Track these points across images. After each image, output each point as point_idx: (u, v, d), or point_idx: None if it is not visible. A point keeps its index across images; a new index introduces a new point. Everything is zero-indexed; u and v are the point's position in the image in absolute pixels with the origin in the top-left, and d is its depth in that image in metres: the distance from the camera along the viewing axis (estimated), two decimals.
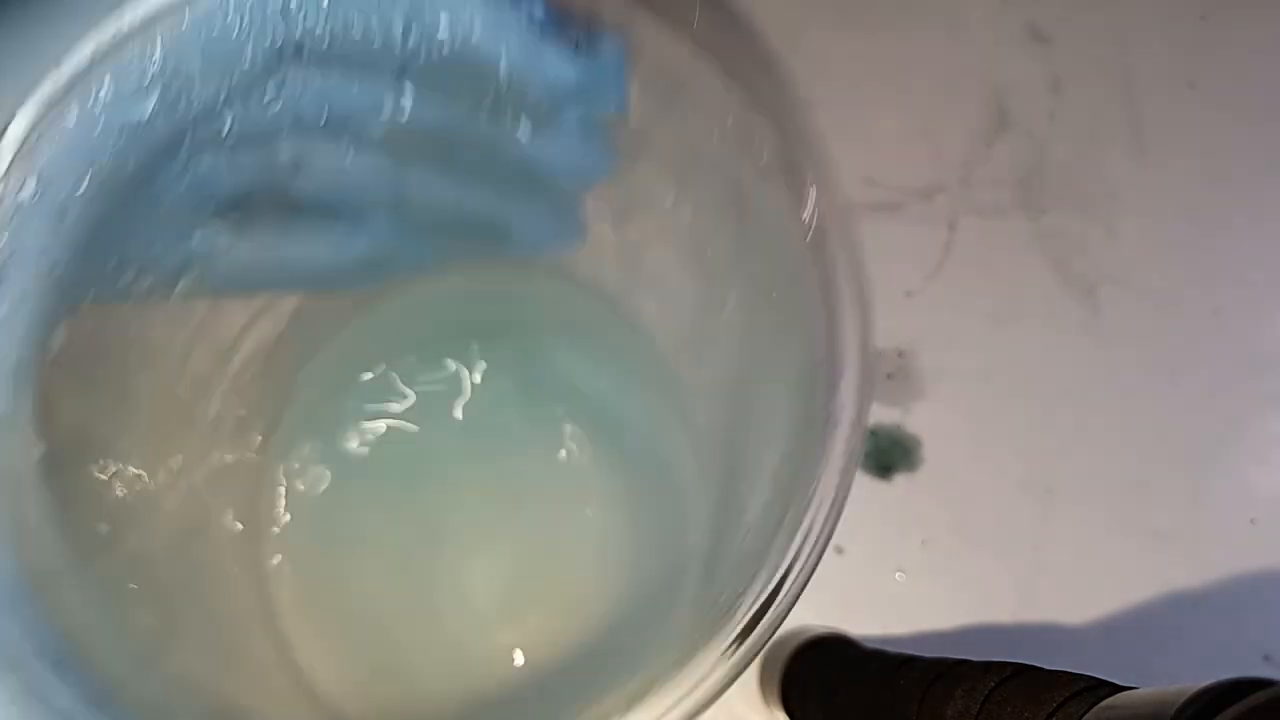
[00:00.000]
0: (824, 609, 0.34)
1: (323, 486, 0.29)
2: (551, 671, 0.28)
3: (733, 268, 0.23)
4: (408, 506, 0.30)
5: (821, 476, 0.17)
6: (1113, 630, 0.34)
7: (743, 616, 0.17)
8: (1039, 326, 0.37)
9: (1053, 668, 0.23)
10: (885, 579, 0.35)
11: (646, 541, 0.29)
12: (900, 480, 0.36)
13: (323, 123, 0.20)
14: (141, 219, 0.19)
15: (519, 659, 0.28)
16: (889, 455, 0.36)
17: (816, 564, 0.17)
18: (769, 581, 0.17)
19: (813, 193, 0.19)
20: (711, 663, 0.17)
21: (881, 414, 0.36)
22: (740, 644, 0.17)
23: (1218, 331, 0.38)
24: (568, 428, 0.30)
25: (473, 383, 0.30)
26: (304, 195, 0.21)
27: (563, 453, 0.30)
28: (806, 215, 0.19)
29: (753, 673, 0.33)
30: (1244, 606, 0.35)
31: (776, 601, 0.17)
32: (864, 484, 0.35)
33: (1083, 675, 0.22)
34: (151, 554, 0.22)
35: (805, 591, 0.35)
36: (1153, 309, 0.38)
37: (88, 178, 0.17)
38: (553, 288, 0.29)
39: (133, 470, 0.22)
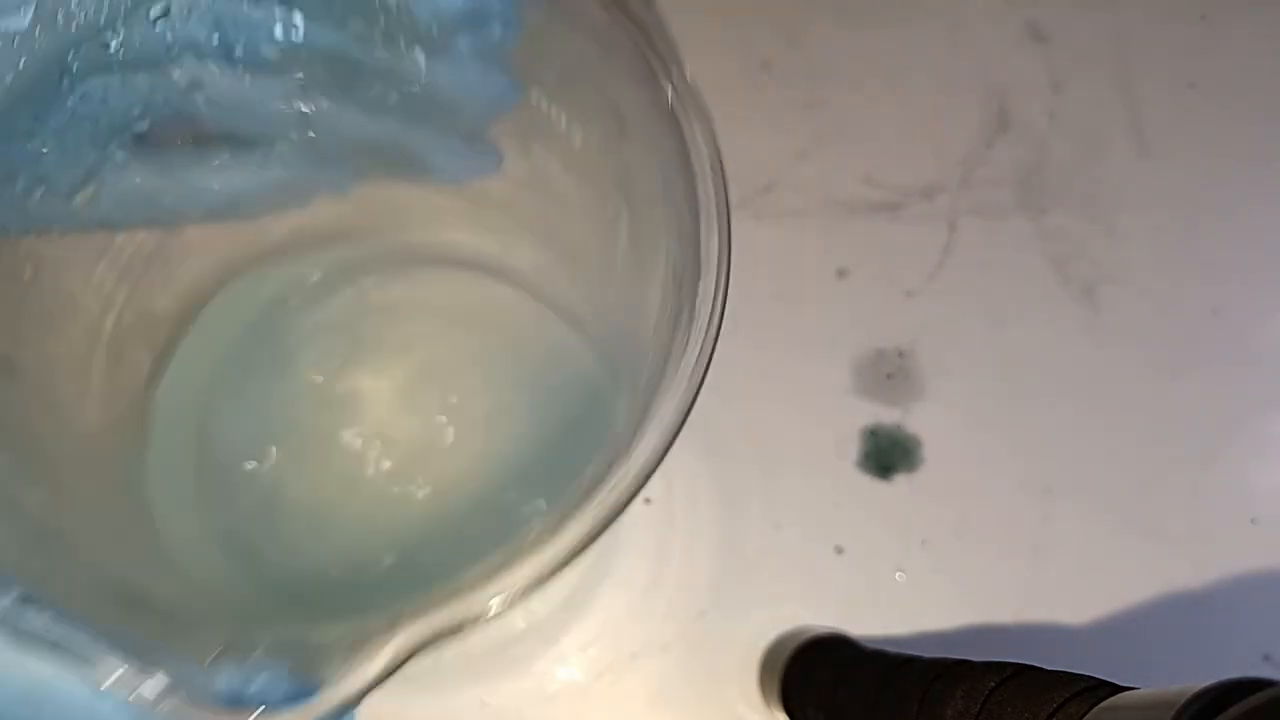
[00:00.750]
0: (824, 609, 0.34)
1: (220, 393, 0.30)
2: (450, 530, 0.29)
3: (620, 188, 0.24)
4: (305, 404, 0.30)
5: (681, 365, 0.19)
6: (1113, 630, 0.34)
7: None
8: (1039, 326, 0.37)
9: (1053, 668, 0.23)
10: (885, 579, 0.35)
11: (549, 427, 0.30)
12: (900, 480, 0.36)
13: (214, 43, 0.20)
14: (31, 134, 0.19)
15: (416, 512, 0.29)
16: (889, 455, 0.36)
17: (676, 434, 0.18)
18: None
19: (669, 91, 0.20)
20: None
21: (881, 414, 0.36)
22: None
23: (1218, 331, 0.38)
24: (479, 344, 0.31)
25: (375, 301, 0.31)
26: (211, 124, 0.21)
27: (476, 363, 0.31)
28: (667, 110, 0.20)
29: (753, 673, 0.33)
30: (1244, 606, 0.35)
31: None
32: (864, 484, 0.35)
33: (1083, 675, 0.22)
34: (45, 442, 0.22)
35: (804, 590, 0.35)
36: (1153, 308, 0.38)
37: None
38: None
39: (27, 369, 0.22)
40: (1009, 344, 0.37)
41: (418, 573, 0.29)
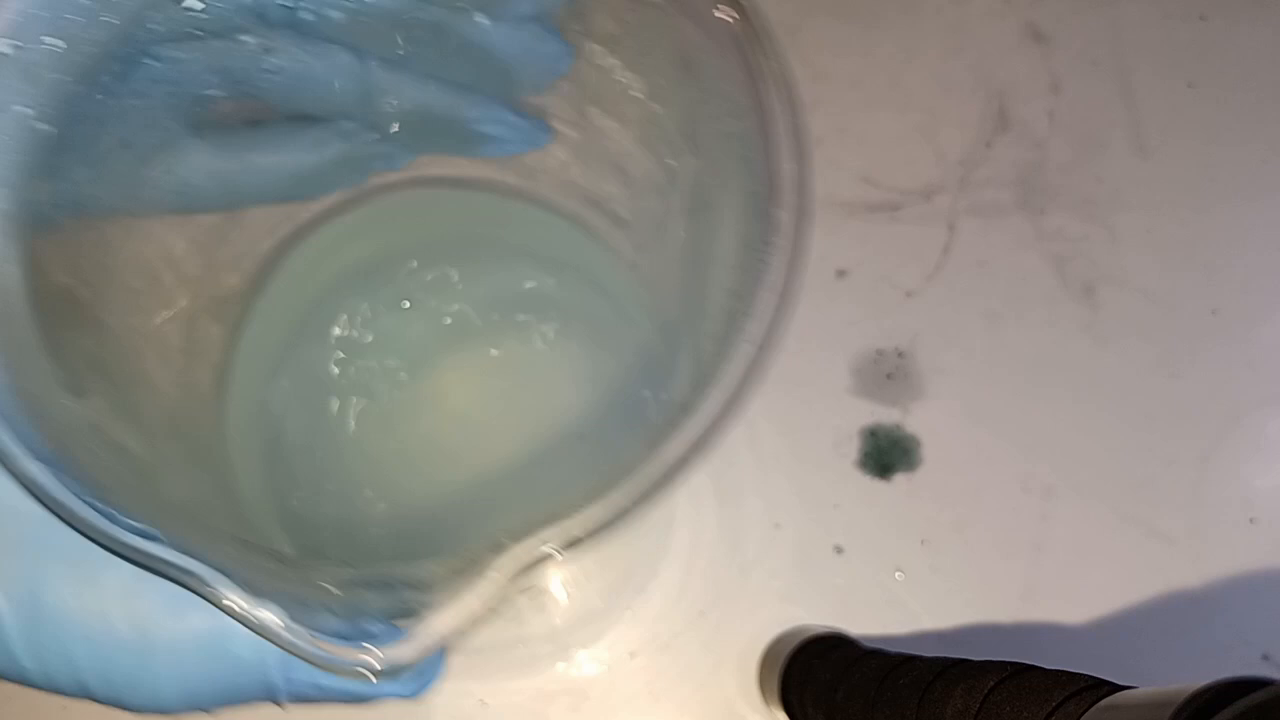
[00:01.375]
0: (823, 609, 0.34)
1: (303, 356, 0.31)
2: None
3: (683, 138, 0.24)
4: (378, 380, 0.31)
5: (759, 301, 0.19)
6: (1112, 629, 0.34)
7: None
8: (1039, 326, 0.37)
9: (1052, 667, 0.23)
10: (885, 579, 0.35)
11: (610, 389, 0.30)
12: (900, 480, 0.36)
13: (281, 3, 0.20)
14: (115, 93, 0.20)
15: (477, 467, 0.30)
16: (888, 455, 0.36)
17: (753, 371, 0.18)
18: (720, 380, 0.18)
19: (732, 19, 0.19)
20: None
21: (881, 414, 0.36)
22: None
23: (1217, 331, 0.38)
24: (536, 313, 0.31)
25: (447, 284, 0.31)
26: (272, 95, 0.22)
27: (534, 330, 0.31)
28: (733, 41, 0.19)
29: (752, 672, 0.33)
30: (1243, 605, 0.35)
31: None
32: (863, 484, 0.35)
33: (1082, 674, 0.22)
34: (136, 400, 0.23)
35: (804, 590, 0.35)
36: (1152, 308, 0.38)
37: (60, 40, 0.18)
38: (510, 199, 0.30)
39: (116, 332, 0.23)
40: (1008, 344, 0.37)
41: (502, 509, 0.29)
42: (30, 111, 0.18)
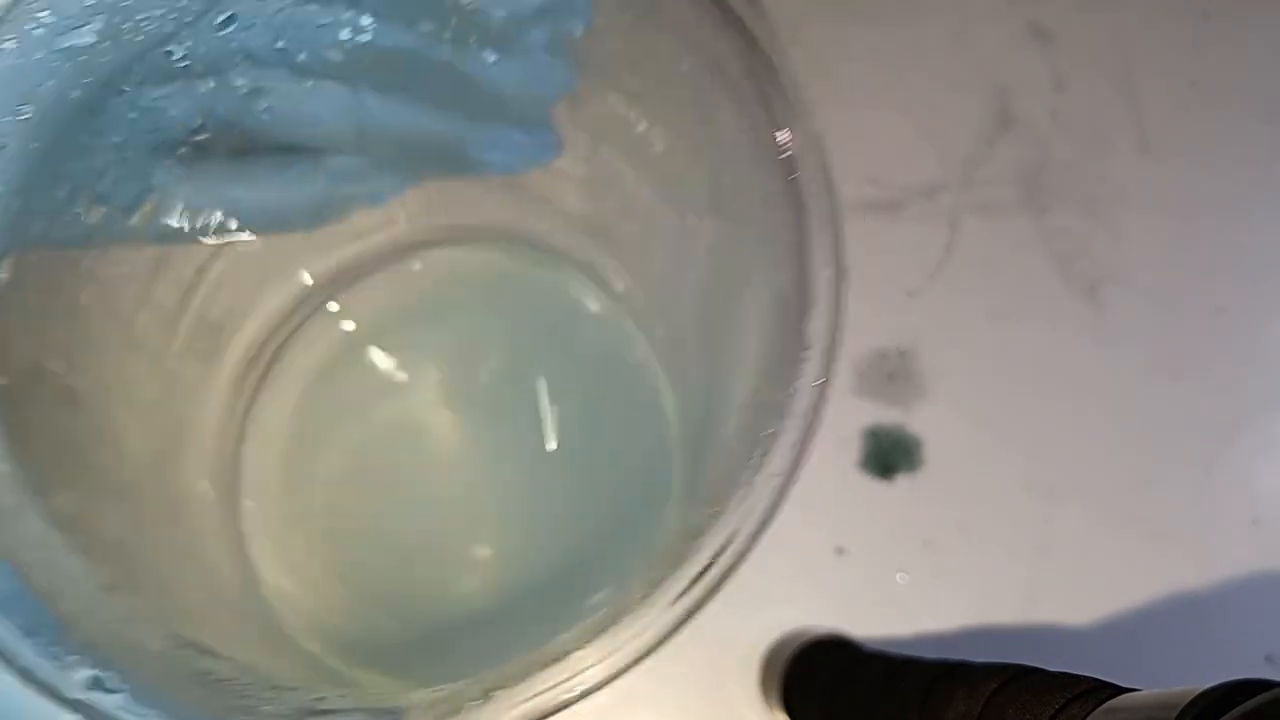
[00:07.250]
0: (825, 611, 0.34)
1: (292, 414, 0.29)
2: (519, 594, 0.28)
3: (707, 199, 0.23)
4: (377, 439, 0.30)
5: (788, 410, 0.18)
6: (1115, 631, 0.34)
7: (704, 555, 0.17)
8: (1041, 326, 0.37)
9: (1055, 669, 0.23)
10: (887, 580, 0.34)
11: (620, 470, 0.30)
12: (902, 481, 0.35)
13: (277, 48, 0.19)
14: (91, 150, 0.19)
15: (485, 582, 0.29)
16: (890, 456, 0.36)
17: (778, 502, 0.17)
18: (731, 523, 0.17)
19: (785, 128, 0.18)
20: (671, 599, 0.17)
21: (882, 414, 0.36)
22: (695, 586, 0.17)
23: (1221, 331, 0.38)
24: (543, 378, 0.30)
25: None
26: (261, 132, 0.21)
27: (539, 398, 0.30)
28: (780, 146, 0.18)
29: (753, 674, 0.33)
30: (1246, 607, 0.35)
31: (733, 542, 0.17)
32: (865, 485, 0.35)
33: (1085, 677, 0.22)
34: (112, 488, 0.22)
35: (805, 592, 0.35)
36: (1156, 308, 0.38)
37: (28, 106, 0.17)
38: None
39: (90, 404, 0.21)
40: (1011, 343, 0.37)
41: (498, 633, 0.28)
42: None
